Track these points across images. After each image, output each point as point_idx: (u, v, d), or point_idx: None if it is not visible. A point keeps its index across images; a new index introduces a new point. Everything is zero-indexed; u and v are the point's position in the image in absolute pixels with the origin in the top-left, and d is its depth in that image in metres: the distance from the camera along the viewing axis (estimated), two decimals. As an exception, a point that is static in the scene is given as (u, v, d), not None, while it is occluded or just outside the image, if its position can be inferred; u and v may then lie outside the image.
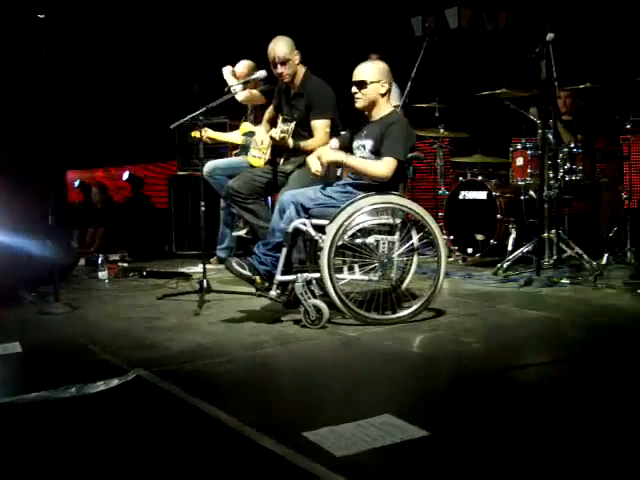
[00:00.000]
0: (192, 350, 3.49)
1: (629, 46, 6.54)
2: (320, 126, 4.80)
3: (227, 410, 2.51)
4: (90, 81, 8.18)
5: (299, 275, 3.93)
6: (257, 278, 4.07)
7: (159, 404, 2.78)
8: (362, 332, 3.75)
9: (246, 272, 4.05)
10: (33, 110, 5.74)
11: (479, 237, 6.19)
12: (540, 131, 5.43)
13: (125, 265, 6.63)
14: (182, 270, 6.16)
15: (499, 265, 5.56)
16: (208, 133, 5.89)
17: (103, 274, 6.07)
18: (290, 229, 4.00)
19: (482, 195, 6.25)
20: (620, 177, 6.04)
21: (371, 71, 4.18)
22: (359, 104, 4.21)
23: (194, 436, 2.38)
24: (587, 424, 2.37)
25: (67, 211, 9.02)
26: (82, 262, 7.00)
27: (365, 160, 4.16)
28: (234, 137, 6.05)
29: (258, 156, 5.42)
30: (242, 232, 6.07)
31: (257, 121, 5.90)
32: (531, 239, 5.45)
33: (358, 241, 3.96)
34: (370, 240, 3.97)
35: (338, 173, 4.52)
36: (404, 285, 4.22)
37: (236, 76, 6.14)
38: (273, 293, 3.99)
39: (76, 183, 9.80)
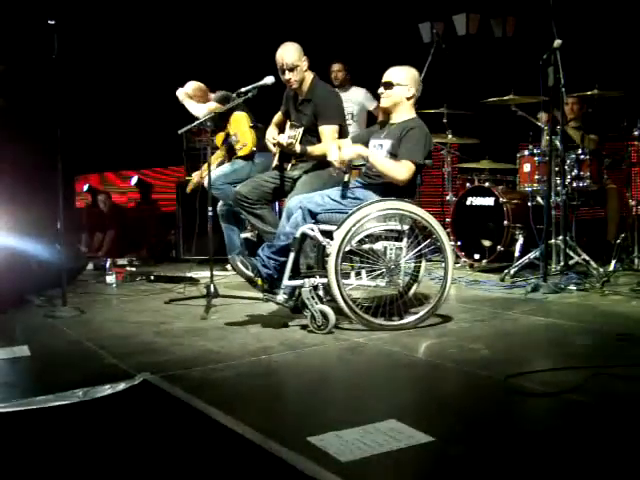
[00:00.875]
0: (199, 354, 3.50)
1: (637, 52, 6.54)
2: (328, 132, 4.80)
3: (233, 414, 2.51)
4: (98, 86, 8.21)
5: (306, 280, 3.94)
6: (258, 280, 4.08)
7: (166, 408, 2.79)
8: (369, 338, 3.76)
9: (248, 272, 4.06)
10: (42, 115, 5.78)
11: (486, 243, 6.19)
12: (547, 137, 5.43)
13: (133, 269, 6.66)
14: (189, 275, 6.18)
15: (506, 271, 5.56)
16: (196, 177, 6.16)
17: (111, 278, 6.09)
18: (298, 234, 4.01)
19: (489, 201, 6.25)
20: (628, 183, 6.02)
21: (400, 74, 4.24)
22: (383, 103, 4.31)
23: (200, 440, 2.39)
24: (594, 431, 2.36)
25: (75, 216, 9.05)
26: (90, 266, 7.03)
27: (388, 159, 4.16)
28: (219, 154, 6.19)
29: (240, 147, 5.65)
30: (248, 234, 6.09)
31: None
32: (538, 245, 5.45)
33: (365, 247, 3.97)
34: (377, 246, 3.98)
35: (346, 178, 4.51)
36: (411, 291, 4.22)
37: (190, 97, 6.20)
38: (280, 298, 4.00)
39: (85, 187, 9.85)
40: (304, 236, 4.05)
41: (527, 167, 5.88)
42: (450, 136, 6.92)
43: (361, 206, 3.95)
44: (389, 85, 4.22)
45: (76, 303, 4.90)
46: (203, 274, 6.12)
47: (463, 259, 6.40)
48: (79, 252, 6.83)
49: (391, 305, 4.04)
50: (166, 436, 2.44)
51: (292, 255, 4.00)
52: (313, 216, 4.08)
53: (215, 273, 4.93)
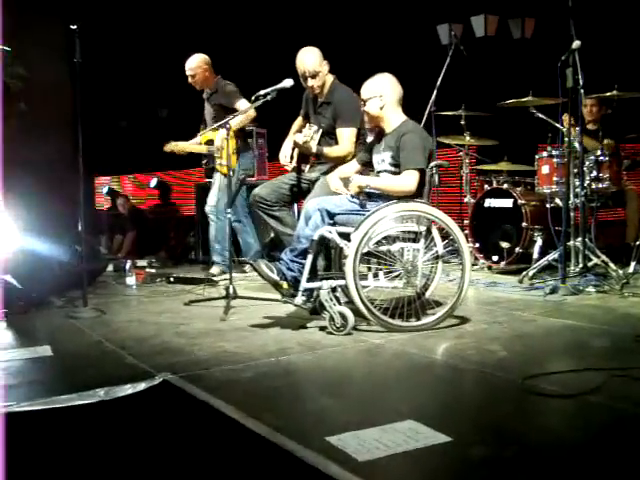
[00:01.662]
0: (218, 355, 3.53)
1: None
2: (346, 134, 4.82)
3: (252, 415, 2.53)
4: (118, 88, 8.28)
5: (324, 282, 3.96)
6: (284, 283, 4.09)
7: (185, 408, 2.81)
8: (387, 339, 3.77)
9: (274, 276, 4.07)
10: (64, 117, 5.84)
11: (504, 245, 6.17)
12: (566, 139, 5.41)
13: (152, 271, 6.70)
14: (207, 276, 6.20)
15: (524, 273, 5.54)
16: (179, 147, 6.15)
17: (131, 279, 6.14)
18: (316, 236, 4.02)
19: (508, 203, 6.23)
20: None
21: (367, 89, 4.25)
22: (366, 120, 4.45)
23: (219, 440, 2.42)
24: (613, 434, 2.36)
25: (95, 218, 9.13)
26: (110, 268, 7.08)
27: (388, 178, 4.17)
28: (200, 148, 6.35)
29: (222, 164, 5.77)
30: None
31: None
32: (557, 247, 5.43)
33: (383, 248, 3.98)
34: (395, 247, 3.99)
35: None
36: (428, 292, 4.23)
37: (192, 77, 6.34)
38: (298, 300, 4.02)
39: (105, 190, 9.92)
40: (322, 238, 4.06)
41: (546, 169, 5.86)
42: (468, 138, 6.91)
43: (378, 208, 3.96)
44: (363, 102, 4.27)
45: (96, 304, 4.95)
46: (222, 276, 6.13)
47: (481, 261, 6.39)
48: (99, 254, 6.88)
49: (409, 306, 4.04)
50: (186, 436, 2.46)
51: (310, 257, 4.02)
52: (331, 218, 4.10)
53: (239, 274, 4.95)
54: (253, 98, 4.81)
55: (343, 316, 3.87)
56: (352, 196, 4.16)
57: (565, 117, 5.84)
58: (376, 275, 4.04)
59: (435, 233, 4.13)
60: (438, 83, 6.78)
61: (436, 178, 4.24)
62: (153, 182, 9.41)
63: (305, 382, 3.24)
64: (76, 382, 3.06)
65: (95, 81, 6.65)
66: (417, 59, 6.95)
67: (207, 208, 6.38)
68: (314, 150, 4.80)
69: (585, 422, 2.49)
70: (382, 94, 4.20)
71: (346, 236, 3.97)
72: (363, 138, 4.85)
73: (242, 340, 3.85)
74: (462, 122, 6.98)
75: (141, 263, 7.33)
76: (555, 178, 5.76)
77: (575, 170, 5.41)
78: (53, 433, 2.57)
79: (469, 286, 4.16)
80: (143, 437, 2.47)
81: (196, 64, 6.31)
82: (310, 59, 4.83)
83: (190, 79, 6.26)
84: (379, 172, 4.30)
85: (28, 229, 5.42)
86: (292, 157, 5.04)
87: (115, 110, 8.53)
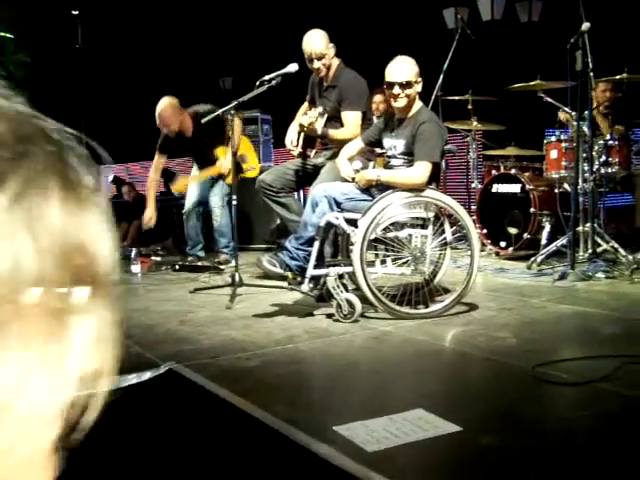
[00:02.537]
0: (224, 343, 3.50)
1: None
2: (351, 117, 4.77)
3: (258, 404, 2.51)
4: (122, 75, 8.24)
5: (331, 269, 3.93)
6: (289, 274, 4.06)
7: (191, 397, 2.79)
8: (394, 326, 3.73)
9: (277, 269, 4.04)
10: (68, 104, 5.80)
11: (512, 231, 6.13)
12: (575, 123, 5.35)
13: (158, 259, 6.68)
14: (214, 264, 6.18)
15: (533, 259, 5.50)
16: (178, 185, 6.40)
17: (136, 268, 6.11)
18: (322, 223, 3.98)
19: (516, 188, 6.18)
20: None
21: (411, 70, 4.07)
22: (401, 104, 4.07)
23: (225, 429, 2.39)
24: (625, 421, 2.33)
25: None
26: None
27: (397, 171, 4.11)
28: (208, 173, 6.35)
29: (248, 169, 6.19)
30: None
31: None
32: (565, 233, 5.38)
33: (390, 235, 3.94)
34: (403, 234, 3.95)
35: (371, 166, 4.49)
36: (437, 279, 4.19)
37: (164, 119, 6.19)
38: (305, 287, 3.99)
39: (110, 178, 9.89)
40: (329, 225, 4.03)
41: (554, 153, 5.80)
42: (475, 123, 6.85)
43: (386, 194, 3.92)
44: (407, 85, 4.03)
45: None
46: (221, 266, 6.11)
47: (489, 247, 6.34)
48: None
49: (417, 293, 4.01)
50: (191, 426, 2.44)
51: (317, 244, 3.98)
52: (338, 205, 4.05)
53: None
54: (258, 83, 4.75)
55: (350, 303, 3.84)
56: (362, 191, 4.10)
57: (562, 115, 5.79)
58: (384, 262, 4.01)
59: (444, 219, 4.08)
60: (445, 67, 6.72)
61: (443, 163, 4.20)
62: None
63: (312, 370, 3.22)
64: (81, 371, 3.04)
65: (100, 67, 6.61)
66: (423, 43, 6.89)
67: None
68: (319, 132, 4.74)
69: (595, 410, 2.45)
70: (420, 79, 4.12)
71: (353, 222, 3.93)
72: (369, 122, 4.79)
73: (248, 328, 3.82)
74: (469, 107, 6.92)
75: (146, 251, 7.29)
76: (564, 163, 5.70)
77: (584, 155, 5.35)
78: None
79: (477, 272, 4.12)
80: (148, 427, 2.44)
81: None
82: (317, 41, 4.79)
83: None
84: (389, 157, 4.25)
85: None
86: (298, 142, 5.00)
87: (121, 97, 8.49)
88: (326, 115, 4.79)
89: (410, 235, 3.96)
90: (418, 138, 4.00)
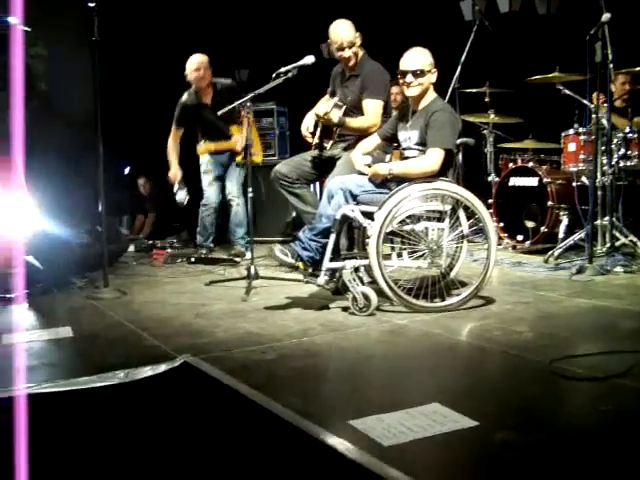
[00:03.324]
0: (239, 336, 3.50)
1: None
2: (372, 106, 4.74)
3: (274, 397, 2.50)
4: (138, 67, 8.23)
5: (347, 262, 3.91)
6: (300, 264, 4.04)
7: (206, 390, 2.78)
8: (410, 320, 3.71)
9: (289, 259, 4.02)
10: (84, 97, 5.80)
11: (530, 224, 6.08)
12: (594, 115, 5.29)
13: (174, 251, 6.69)
14: (230, 256, 6.18)
15: (550, 253, 5.46)
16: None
17: (181, 195, 6.35)
18: (338, 216, 3.97)
19: (533, 182, 6.13)
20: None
21: (427, 59, 4.09)
22: (414, 92, 4.11)
23: (240, 422, 2.38)
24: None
25: (116, 198, 9.12)
26: (131, 248, 7.08)
27: (408, 162, 4.09)
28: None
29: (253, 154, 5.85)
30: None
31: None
32: (583, 226, 5.34)
33: (407, 228, 3.92)
34: (419, 227, 3.92)
35: (387, 159, 4.46)
36: (453, 272, 4.16)
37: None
38: (321, 280, 3.97)
39: (126, 170, 9.89)
40: (345, 217, 4.01)
41: (572, 146, 5.74)
42: (492, 115, 6.79)
43: (402, 186, 3.89)
44: (420, 73, 4.06)
45: (117, 285, 4.94)
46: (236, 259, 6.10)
47: (506, 240, 6.30)
48: (120, 234, 6.87)
49: (433, 287, 3.99)
50: (206, 418, 2.43)
51: (333, 237, 3.96)
52: (354, 198, 4.04)
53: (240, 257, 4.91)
54: (274, 75, 4.73)
55: (366, 296, 3.82)
56: (375, 185, 4.07)
57: (595, 95, 5.70)
58: (400, 255, 3.99)
59: (460, 212, 4.05)
60: (462, 60, 6.66)
61: (460, 157, 4.17)
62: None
63: (327, 364, 3.20)
64: (96, 364, 3.05)
65: (116, 61, 6.60)
66: (440, 36, 6.82)
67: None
68: (335, 120, 4.71)
69: (614, 406, 2.42)
70: (435, 69, 4.12)
71: (369, 215, 3.92)
72: (387, 117, 4.76)
73: (263, 321, 3.82)
74: (486, 99, 6.87)
75: (162, 244, 7.31)
76: (582, 156, 5.64)
77: (603, 148, 5.29)
78: (73, 415, 2.55)
79: (494, 266, 4.08)
80: (163, 419, 2.44)
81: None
82: (346, 30, 4.82)
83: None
84: (404, 149, 4.23)
85: (49, 210, 5.41)
86: (314, 133, 4.98)
87: (136, 91, 8.48)
88: (344, 107, 4.77)
89: (426, 228, 3.93)
90: (430, 126, 3.99)
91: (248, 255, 5.17)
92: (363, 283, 3.92)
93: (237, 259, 6.04)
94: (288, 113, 7.98)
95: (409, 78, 4.07)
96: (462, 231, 4.05)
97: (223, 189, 6.47)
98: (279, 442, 2.21)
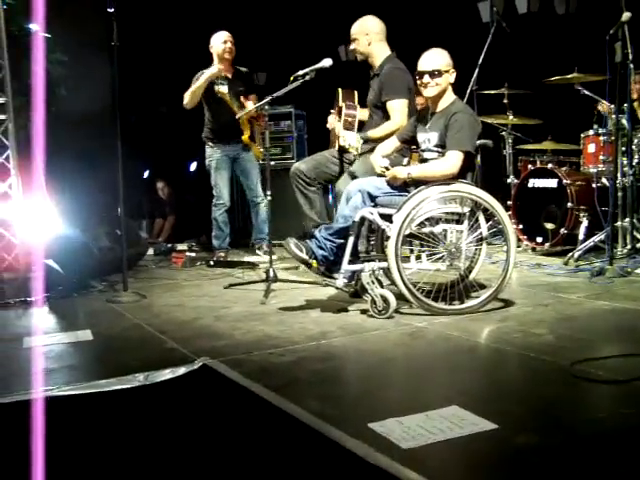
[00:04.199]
0: (258, 339, 3.50)
1: None
2: (397, 106, 4.72)
3: (292, 400, 2.50)
4: (156, 71, 8.28)
5: (366, 264, 3.91)
6: (313, 262, 4.04)
7: (225, 393, 2.79)
8: (429, 322, 3.70)
9: (303, 255, 4.02)
10: (104, 101, 5.84)
11: (549, 226, 6.04)
12: (614, 116, 5.25)
13: (192, 255, 6.71)
14: (248, 259, 6.19)
15: (570, 255, 5.42)
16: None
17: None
18: (357, 218, 3.97)
19: (552, 183, 6.09)
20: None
21: (444, 60, 4.08)
22: (432, 92, 4.09)
23: (259, 425, 2.38)
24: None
25: (136, 202, 9.16)
26: (150, 252, 7.11)
27: (427, 165, 4.08)
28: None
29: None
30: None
31: None
32: (603, 228, 5.30)
33: (426, 230, 3.91)
34: (438, 229, 3.91)
35: (405, 162, 4.46)
36: (472, 275, 4.15)
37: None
38: (339, 282, 3.97)
39: (145, 174, 9.94)
40: (363, 219, 4.01)
41: (592, 147, 5.71)
42: (511, 117, 6.77)
43: (421, 189, 3.88)
44: (437, 74, 4.05)
45: (137, 288, 4.96)
46: (261, 258, 6.10)
47: (525, 242, 6.27)
48: (139, 238, 6.90)
49: (452, 289, 3.98)
50: (225, 420, 2.44)
51: (351, 239, 3.96)
52: (372, 199, 4.03)
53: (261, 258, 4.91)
54: (292, 78, 4.74)
55: (385, 299, 3.81)
56: (394, 187, 4.06)
57: (602, 105, 5.67)
58: (419, 257, 3.98)
59: (479, 214, 4.04)
60: (480, 61, 6.65)
61: (479, 159, 4.15)
62: (192, 166, 9.37)
63: (346, 366, 3.20)
64: (116, 366, 3.06)
65: (134, 65, 6.65)
66: (458, 37, 6.80)
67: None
68: (357, 145, 4.71)
69: (636, 409, 2.40)
70: (453, 70, 4.11)
71: (388, 217, 3.91)
72: (412, 113, 4.72)
73: (282, 324, 3.82)
74: (505, 101, 6.84)
75: (181, 247, 7.34)
76: (602, 157, 5.60)
77: (623, 148, 5.25)
78: (93, 418, 2.56)
79: (513, 268, 4.06)
80: (182, 422, 2.45)
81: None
82: (357, 24, 4.94)
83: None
84: (423, 151, 4.21)
85: (69, 214, 5.45)
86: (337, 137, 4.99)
87: (156, 95, 8.53)
88: (355, 124, 4.79)
89: (445, 230, 3.92)
90: (450, 127, 3.98)
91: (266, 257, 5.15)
92: (382, 285, 3.91)
93: (261, 254, 6.15)
94: (306, 116, 7.99)
95: (426, 79, 4.07)
96: (481, 233, 4.03)
97: (233, 186, 6.44)
98: (298, 445, 2.21)
